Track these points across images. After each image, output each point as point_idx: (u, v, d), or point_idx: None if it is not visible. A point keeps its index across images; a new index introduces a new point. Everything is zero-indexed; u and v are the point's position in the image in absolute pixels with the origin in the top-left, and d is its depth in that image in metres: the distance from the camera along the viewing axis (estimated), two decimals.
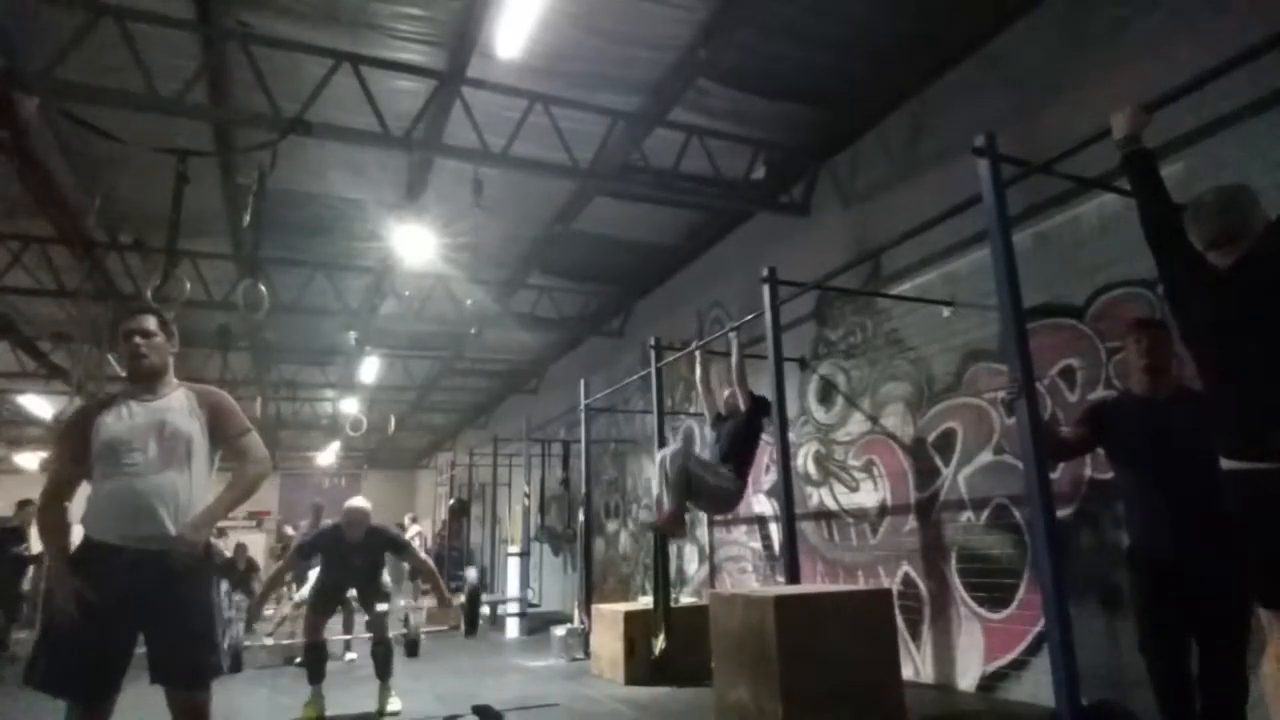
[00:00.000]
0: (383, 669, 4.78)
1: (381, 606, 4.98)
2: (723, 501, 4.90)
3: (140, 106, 4.71)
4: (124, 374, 2.82)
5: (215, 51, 4.83)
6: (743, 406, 4.98)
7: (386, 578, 5.23)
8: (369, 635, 5.02)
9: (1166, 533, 2.75)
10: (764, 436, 5.18)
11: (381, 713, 4.68)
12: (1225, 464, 2.18)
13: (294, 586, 8.39)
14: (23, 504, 9.56)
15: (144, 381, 2.72)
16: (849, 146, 6.16)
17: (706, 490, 4.69)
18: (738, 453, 4.86)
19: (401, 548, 4.95)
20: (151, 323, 2.75)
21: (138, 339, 2.71)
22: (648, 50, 5.10)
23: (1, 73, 4.58)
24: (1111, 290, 4.07)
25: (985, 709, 4.30)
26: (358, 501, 4.86)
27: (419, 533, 15.35)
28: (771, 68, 5.29)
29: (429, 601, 9.12)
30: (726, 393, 5.24)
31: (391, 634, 4.97)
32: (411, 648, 7.26)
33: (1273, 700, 2.15)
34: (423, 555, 5.15)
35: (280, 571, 5.29)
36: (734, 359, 5.15)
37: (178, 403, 2.71)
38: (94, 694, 2.42)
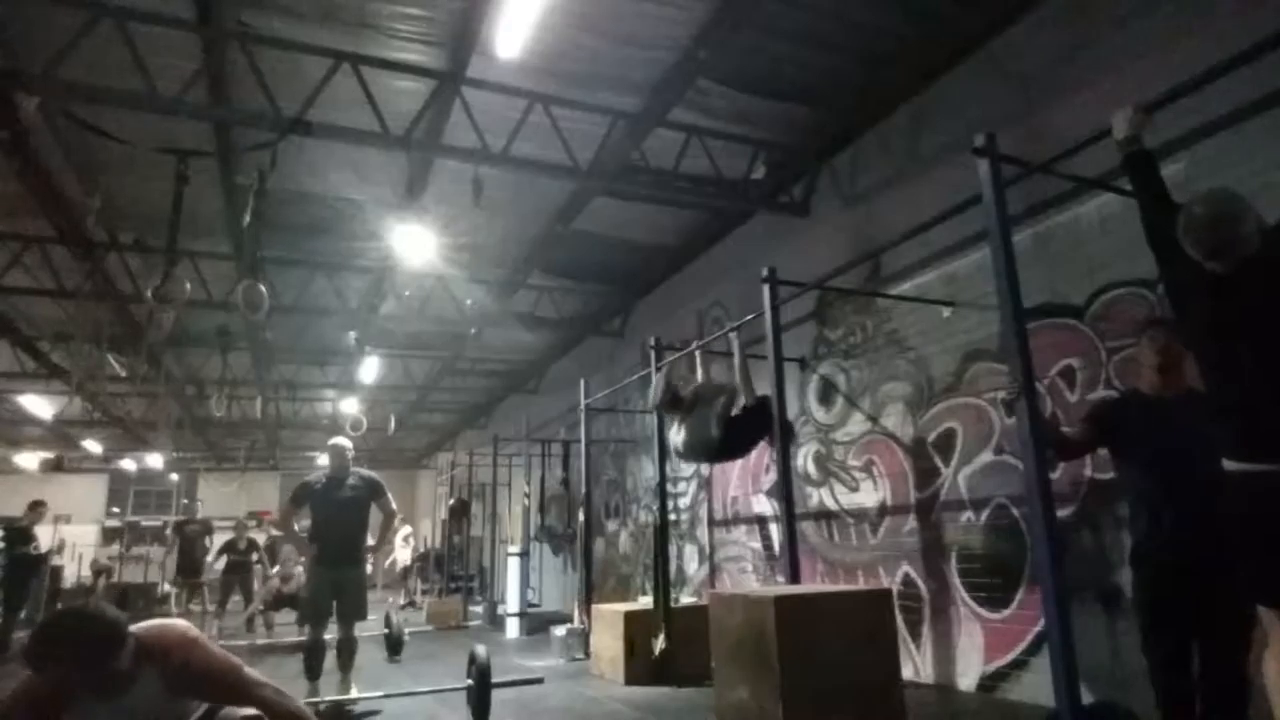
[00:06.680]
0: (346, 663, 5.14)
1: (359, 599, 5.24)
2: (700, 447, 5.16)
3: (140, 106, 4.72)
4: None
5: (215, 51, 4.83)
6: (748, 403, 5.16)
7: (368, 573, 5.35)
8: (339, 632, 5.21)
9: (1171, 533, 2.74)
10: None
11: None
12: (1228, 465, 2.19)
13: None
14: (34, 505, 9.62)
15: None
16: (849, 146, 6.16)
17: (699, 425, 5.08)
18: (737, 445, 5.23)
19: (380, 491, 5.40)
20: (106, 665, 2.24)
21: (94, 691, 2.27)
22: (648, 50, 5.10)
23: (1, 73, 4.58)
24: (1111, 290, 4.07)
25: (985, 709, 4.30)
26: (341, 439, 5.43)
27: (409, 533, 15.56)
28: (771, 68, 5.29)
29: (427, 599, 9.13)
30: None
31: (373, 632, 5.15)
32: (395, 647, 7.20)
33: (1277, 696, 2.16)
34: (391, 503, 5.55)
35: (285, 516, 5.62)
36: (737, 359, 5.32)
37: (147, 696, 2.37)
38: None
